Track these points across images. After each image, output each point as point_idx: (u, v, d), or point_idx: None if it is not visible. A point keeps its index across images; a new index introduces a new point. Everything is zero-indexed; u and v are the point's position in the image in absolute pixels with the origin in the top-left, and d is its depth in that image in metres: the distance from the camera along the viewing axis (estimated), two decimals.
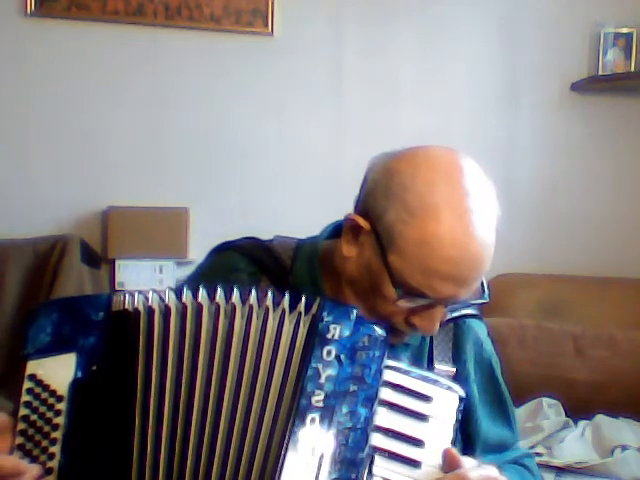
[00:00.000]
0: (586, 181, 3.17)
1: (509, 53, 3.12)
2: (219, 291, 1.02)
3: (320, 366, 0.97)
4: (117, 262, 2.82)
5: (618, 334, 2.72)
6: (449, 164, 1.06)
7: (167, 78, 2.93)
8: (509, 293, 2.96)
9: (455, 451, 0.99)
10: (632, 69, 3.08)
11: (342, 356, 0.97)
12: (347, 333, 0.99)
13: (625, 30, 3.08)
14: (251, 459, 0.95)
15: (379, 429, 0.97)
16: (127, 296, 1.02)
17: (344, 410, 0.96)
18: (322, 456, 0.94)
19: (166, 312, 1.00)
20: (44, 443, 0.97)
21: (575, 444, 2.41)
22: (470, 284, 1.05)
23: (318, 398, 0.95)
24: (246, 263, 1.22)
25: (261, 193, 2.98)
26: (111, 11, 2.84)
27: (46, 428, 0.97)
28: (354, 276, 1.11)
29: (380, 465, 0.96)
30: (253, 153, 2.97)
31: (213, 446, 0.96)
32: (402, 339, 1.12)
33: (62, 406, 0.98)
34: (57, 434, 0.97)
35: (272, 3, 2.92)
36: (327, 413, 0.95)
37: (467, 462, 1.01)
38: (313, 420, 0.95)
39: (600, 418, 2.51)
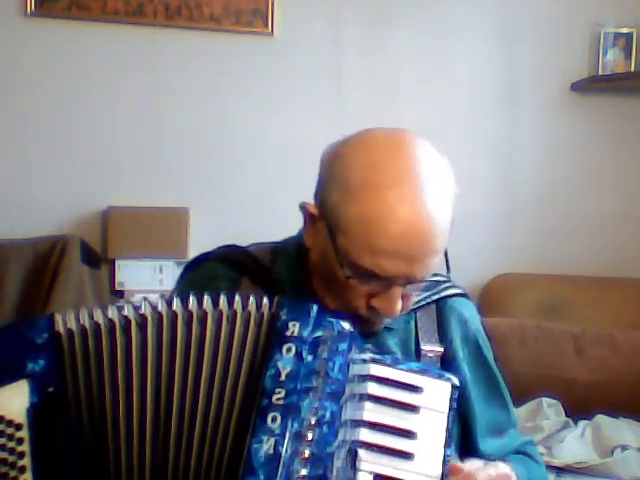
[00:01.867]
0: (586, 181, 3.17)
1: (509, 53, 3.11)
2: (191, 299, 1.01)
3: (280, 364, 0.96)
4: (117, 262, 2.82)
5: (618, 334, 2.72)
6: (390, 142, 1.06)
7: (167, 78, 2.92)
8: (509, 293, 2.97)
9: (458, 462, 0.99)
10: (632, 69, 3.08)
11: (303, 352, 0.97)
12: (307, 329, 0.98)
13: (625, 30, 3.08)
14: (210, 462, 0.95)
15: (365, 424, 0.97)
16: (68, 315, 1.01)
17: (307, 406, 0.94)
18: (285, 453, 0.92)
19: (126, 325, 1.00)
20: (12, 473, 0.94)
21: (575, 444, 2.41)
22: (421, 261, 1.03)
23: (279, 396, 0.94)
24: (225, 269, 1.21)
25: (261, 193, 2.98)
26: (111, 11, 2.83)
27: (11, 458, 0.95)
28: (317, 266, 1.12)
29: (369, 460, 0.95)
30: (253, 153, 2.97)
31: (178, 446, 0.96)
32: (374, 327, 1.11)
33: (23, 434, 0.95)
34: (25, 462, 0.95)
35: (272, 3, 2.92)
36: (289, 411, 0.94)
37: (472, 464, 1.00)
38: (274, 419, 0.93)
39: (600, 418, 2.51)
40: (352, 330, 1.00)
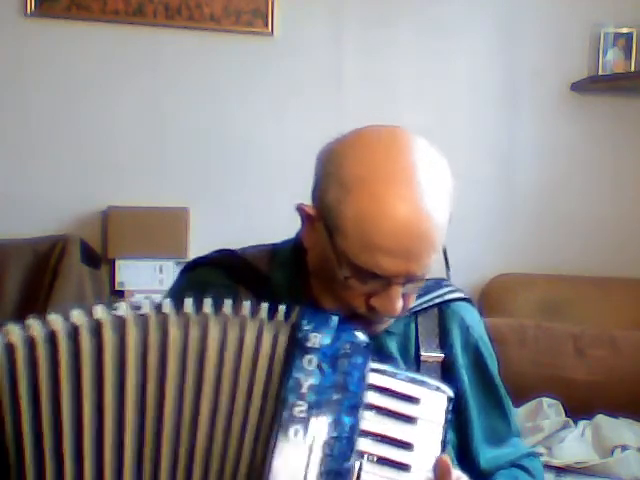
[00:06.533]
0: (586, 181, 3.17)
1: (509, 53, 3.11)
2: (185, 302, 0.96)
3: (301, 376, 0.93)
4: (117, 262, 2.82)
5: (618, 334, 2.72)
6: (386, 139, 1.04)
7: (167, 78, 2.92)
8: (509, 293, 2.96)
9: (448, 461, 0.97)
10: (632, 69, 3.08)
11: (324, 365, 0.94)
12: (328, 341, 0.96)
13: (625, 30, 3.08)
14: (234, 477, 0.92)
15: (367, 434, 0.95)
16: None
17: (328, 420, 0.92)
18: (307, 468, 0.90)
19: (122, 325, 0.94)
20: None
21: (575, 444, 2.41)
22: (420, 258, 1.00)
23: (301, 409, 0.92)
24: (219, 276, 1.18)
25: (261, 193, 2.98)
26: (111, 11, 2.83)
27: None
28: (316, 267, 1.10)
29: (368, 470, 0.94)
30: (253, 153, 2.97)
31: (191, 462, 0.92)
32: (374, 328, 1.08)
33: None
34: None
35: (272, 3, 2.92)
36: (311, 424, 0.91)
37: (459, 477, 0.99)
38: (297, 432, 0.91)
39: (600, 418, 2.51)
40: (368, 342, 0.98)
